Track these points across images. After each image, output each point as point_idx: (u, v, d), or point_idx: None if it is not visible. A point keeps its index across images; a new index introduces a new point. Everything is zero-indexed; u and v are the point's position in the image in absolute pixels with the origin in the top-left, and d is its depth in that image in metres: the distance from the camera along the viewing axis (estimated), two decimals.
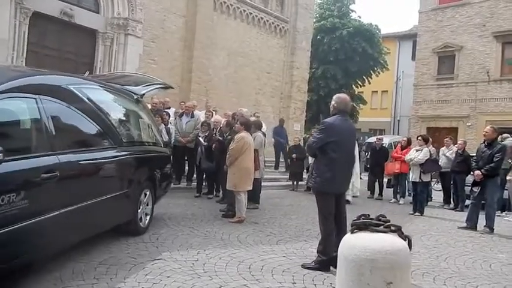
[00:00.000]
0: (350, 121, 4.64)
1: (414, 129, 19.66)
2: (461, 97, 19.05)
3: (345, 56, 22.51)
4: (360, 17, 24.16)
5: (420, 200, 8.54)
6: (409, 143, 10.25)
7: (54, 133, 3.07)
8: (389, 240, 2.54)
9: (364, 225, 2.66)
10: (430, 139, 10.74)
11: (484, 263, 5.01)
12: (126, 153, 4.40)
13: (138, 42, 13.60)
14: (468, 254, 5.43)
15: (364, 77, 24.68)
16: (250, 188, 6.41)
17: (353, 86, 24.87)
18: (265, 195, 9.58)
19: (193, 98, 14.81)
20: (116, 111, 4.55)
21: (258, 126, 7.89)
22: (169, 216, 6.33)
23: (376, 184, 11.34)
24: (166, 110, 9.95)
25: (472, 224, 7.12)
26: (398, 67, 28.04)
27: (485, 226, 6.99)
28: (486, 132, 7.07)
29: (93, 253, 4.05)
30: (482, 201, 7.13)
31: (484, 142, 7.15)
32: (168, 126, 8.70)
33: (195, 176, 9.21)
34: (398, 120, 27.54)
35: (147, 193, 4.99)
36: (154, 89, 5.92)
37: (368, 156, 13.16)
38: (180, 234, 5.20)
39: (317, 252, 4.33)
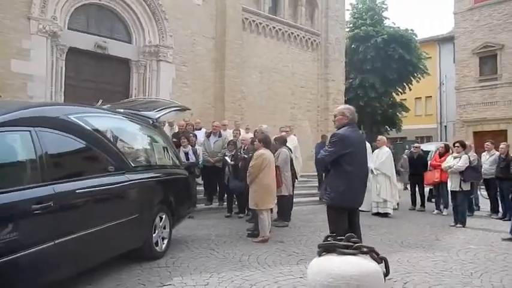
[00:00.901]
0: (360, 131, 4.43)
1: (459, 134, 18.64)
2: (508, 98, 17.91)
3: (382, 63, 21.91)
4: (394, 24, 23.51)
5: (461, 210, 7.98)
6: (447, 149, 9.68)
7: (49, 164, 3.15)
8: (358, 264, 2.20)
9: (332, 247, 2.38)
10: (471, 144, 10.15)
11: None
12: (134, 177, 4.43)
13: (170, 68, 14.00)
14: (507, 270, 4.96)
15: (405, 84, 23.85)
16: (273, 205, 6.28)
17: (393, 93, 24.11)
18: (298, 212, 9.41)
19: (228, 117, 14.97)
20: (124, 137, 4.62)
21: (282, 142, 7.77)
22: (193, 238, 6.31)
23: (418, 195, 10.76)
24: (194, 132, 10.07)
25: None
26: (440, 71, 26.96)
27: None
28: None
29: (103, 280, 4.07)
30: None
31: None
32: (196, 147, 8.77)
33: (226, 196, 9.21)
34: (445, 126, 26.31)
35: (163, 217, 5.00)
36: (169, 111, 5.99)
37: (401, 167, 12.61)
38: (199, 257, 5.15)
39: None
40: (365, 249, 2.33)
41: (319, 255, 2.42)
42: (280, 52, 17.37)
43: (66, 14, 11.90)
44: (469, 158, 8.06)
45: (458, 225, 7.92)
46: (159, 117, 5.59)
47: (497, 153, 9.47)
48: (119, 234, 4.17)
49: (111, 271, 4.34)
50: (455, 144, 8.30)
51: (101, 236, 3.78)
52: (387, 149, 9.40)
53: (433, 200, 10.56)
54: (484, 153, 9.94)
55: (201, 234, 6.70)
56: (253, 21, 16.41)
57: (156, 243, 4.87)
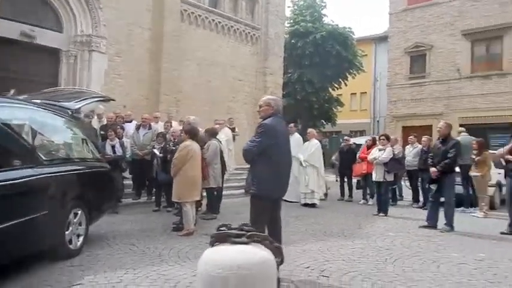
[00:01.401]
0: (284, 122, 4.44)
1: (389, 128, 19.59)
2: (434, 95, 19.09)
3: (320, 59, 22.46)
4: (332, 21, 24.16)
5: (384, 200, 8.38)
6: (374, 142, 10.10)
7: None
8: (248, 253, 2.16)
9: (224, 236, 2.36)
10: (397, 138, 10.68)
11: (433, 264, 4.84)
12: (44, 171, 4.16)
13: (102, 58, 13.39)
14: (420, 255, 5.25)
15: (341, 80, 24.65)
16: (198, 198, 6.19)
17: (330, 89, 24.85)
18: (230, 204, 9.41)
19: (162, 109, 14.63)
20: (36, 128, 4.33)
21: (212, 134, 7.71)
22: (115, 234, 6.08)
23: (346, 186, 11.17)
24: (124, 124, 9.73)
25: (432, 223, 6.97)
26: (375, 69, 28.15)
27: (444, 224, 6.83)
28: (440, 128, 6.96)
29: (6, 284, 3.78)
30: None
31: (439, 138, 7.03)
32: (123, 140, 8.46)
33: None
34: (378, 121, 27.55)
35: (79, 212, 4.75)
36: (90, 102, 5.71)
37: (335, 160, 13.03)
38: (116, 254, 4.96)
39: None
40: (258, 238, 2.31)
41: (212, 245, 2.37)
42: (220, 45, 17.24)
43: None
44: (394, 151, 8.46)
45: (380, 214, 8.30)
46: (78, 108, 5.31)
47: (420, 146, 10.04)
48: (26, 233, 3.85)
49: (20, 273, 4.03)
50: (380, 137, 8.69)
51: (3, 235, 3.50)
52: (316, 141, 9.65)
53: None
54: (407, 146, 10.50)
55: (124, 229, 6.48)
56: (193, 13, 16.12)
57: (70, 241, 4.62)
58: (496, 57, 18.20)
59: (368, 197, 10.34)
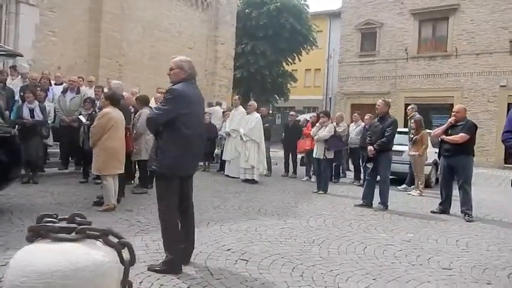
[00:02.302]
0: (198, 89, 3.84)
1: (339, 106, 19.66)
2: (382, 74, 19.23)
3: (274, 32, 21.92)
4: None
5: (324, 177, 8.21)
6: (318, 118, 9.89)
7: None
8: (73, 254, 1.50)
9: (44, 230, 1.59)
10: (342, 115, 10.54)
11: (360, 246, 4.65)
12: None
13: (32, 11, 12.19)
14: (349, 235, 5.07)
15: (295, 55, 24.30)
16: (120, 171, 5.65)
17: (284, 63, 24.47)
18: None
19: (103, 74, 13.71)
20: None
21: (144, 102, 7.10)
22: (24, 207, 5.45)
23: (291, 162, 10.98)
24: (50, 87, 8.86)
25: (368, 201, 6.87)
26: (329, 45, 27.98)
27: (379, 203, 6.75)
28: (378, 105, 6.78)
29: None
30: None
31: (377, 116, 6.87)
32: (45, 103, 7.65)
33: None
34: (330, 98, 27.64)
35: None
36: None
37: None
38: (15, 231, 4.37)
39: (165, 251, 3.61)
40: (94, 233, 1.60)
41: (30, 241, 1.60)
42: (168, 9, 16.28)
43: None
44: (338, 128, 8.26)
45: (320, 191, 8.14)
46: None
47: (363, 124, 9.95)
48: None
49: None
50: (320, 114, 8.45)
51: None
52: (257, 115, 9.28)
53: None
54: (351, 124, 10.38)
55: (39, 202, 5.85)
56: None
57: None
58: (442, 39, 18.48)
59: (311, 173, 10.17)
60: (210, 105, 12.64)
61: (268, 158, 11.02)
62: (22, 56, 6.80)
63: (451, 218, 6.47)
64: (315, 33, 23.98)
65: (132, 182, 7.39)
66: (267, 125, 11.00)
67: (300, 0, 23.35)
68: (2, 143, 4.83)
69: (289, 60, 24.21)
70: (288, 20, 21.78)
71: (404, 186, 9.28)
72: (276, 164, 11.63)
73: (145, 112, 6.92)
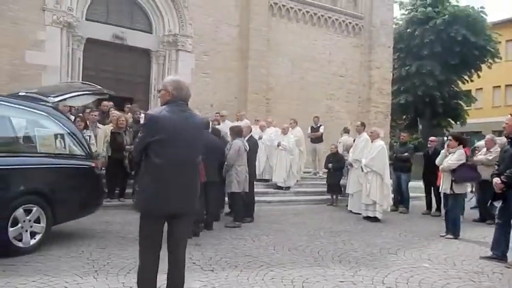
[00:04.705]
0: (190, 112, 3.31)
1: None
2: None
3: (442, 47, 19.50)
4: (458, 1, 20.71)
5: (453, 217, 6.50)
6: (461, 142, 8.06)
7: None
8: None
9: None
10: (494, 139, 8.38)
11: None
12: None
13: (189, 57, 13.75)
14: None
15: (473, 71, 21.06)
16: None
17: (458, 81, 21.45)
18: (283, 211, 8.59)
19: (251, 108, 14.38)
20: None
21: (237, 133, 6.98)
22: (94, 234, 5.80)
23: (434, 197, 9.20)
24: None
25: (498, 253, 5.06)
26: None
27: None
28: (506, 123, 4.98)
29: None
30: None
31: (508, 137, 5.07)
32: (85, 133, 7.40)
33: None
34: None
35: (33, 209, 4.60)
36: (70, 96, 5.56)
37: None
38: (68, 257, 4.64)
39: None
40: None
41: None
42: (315, 38, 16.21)
43: (83, 5, 12.19)
44: (469, 155, 6.52)
45: (448, 235, 6.48)
46: (56, 102, 5.21)
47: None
48: None
49: None
50: (449, 138, 6.78)
51: None
52: (381, 142, 8.03)
53: None
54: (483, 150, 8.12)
55: (116, 229, 6.13)
56: (284, 5, 15.49)
57: (21, 239, 4.50)
58: None
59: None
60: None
61: (407, 193, 9.51)
62: (107, 95, 7.32)
63: None
64: (497, 43, 20.30)
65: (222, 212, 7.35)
66: (406, 154, 9.59)
67: (476, 9, 20.24)
68: (75, 174, 5.30)
69: (465, 77, 21.04)
70: (459, 32, 19.11)
71: None
72: None
73: (236, 143, 6.82)
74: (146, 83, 13.81)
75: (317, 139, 12.42)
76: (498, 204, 5.02)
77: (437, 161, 6.90)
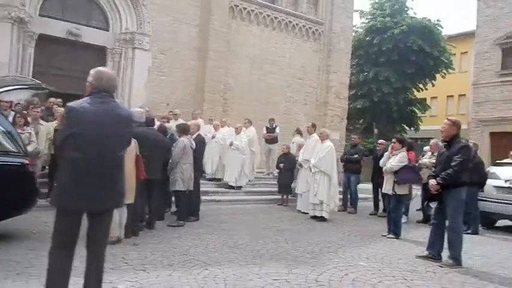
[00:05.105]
0: (115, 104, 3.14)
1: (474, 134, 16.43)
2: None
3: (399, 56, 20.10)
4: (415, 14, 21.43)
5: (394, 218, 6.63)
6: (405, 145, 8.28)
7: None
8: None
9: None
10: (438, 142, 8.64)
11: None
12: None
13: (146, 56, 13.46)
14: None
15: (428, 79, 21.82)
16: (129, 201, 5.36)
17: (414, 89, 22.16)
18: (231, 211, 8.50)
19: (208, 108, 14.28)
20: None
21: (183, 130, 6.85)
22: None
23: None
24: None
25: (434, 252, 5.19)
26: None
27: (448, 257, 5.01)
28: (443, 127, 5.12)
29: None
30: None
31: (444, 141, 5.22)
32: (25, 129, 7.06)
33: None
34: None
35: None
36: (3, 91, 5.27)
37: None
38: None
39: None
40: None
41: None
42: (276, 42, 16.29)
43: (37, 1, 11.73)
44: (408, 157, 6.67)
45: (390, 235, 6.63)
46: None
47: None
48: None
49: None
50: (393, 140, 6.94)
51: None
52: (329, 143, 8.11)
53: None
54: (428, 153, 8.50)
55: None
56: (245, 8, 15.48)
57: None
58: None
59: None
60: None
61: (355, 194, 9.67)
62: (46, 90, 6.96)
63: None
64: (451, 55, 21.13)
65: (168, 211, 7.18)
66: (356, 156, 9.76)
67: (433, 21, 20.97)
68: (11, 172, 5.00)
69: (420, 86, 21.77)
70: (415, 42, 19.75)
71: None
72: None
73: (181, 141, 6.69)
74: None
75: (272, 140, 12.45)
76: (434, 205, 5.14)
77: (380, 163, 7.04)
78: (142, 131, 5.85)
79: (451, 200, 4.94)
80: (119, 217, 5.33)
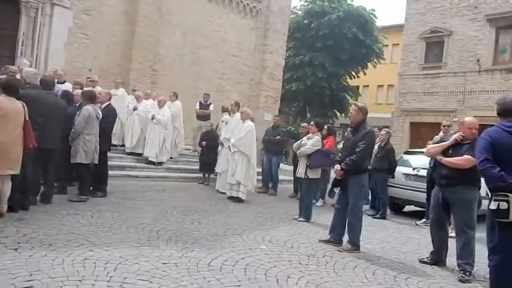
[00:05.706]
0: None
1: (397, 123, 17.21)
2: (449, 89, 16.47)
3: (334, 42, 20.37)
4: (352, 1, 21.76)
5: (305, 202, 6.65)
6: (329, 131, 8.39)
7: None
8: None
9: None
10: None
11: None
12: None
13: (66, 14, 12.37)
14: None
15: (360, 67, 22.41)
16: (13, 171, 4.80)
17: (346, 77, 22.69)
18: (148, 187, 8.11)
19: (134, 78, 13.54)
20: None
21: (89, 98, 6.28)
22: None
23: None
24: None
25: (336, 237, 5.22)
26: None
27: (348, 241, 5.07)
28: (351, 113, 5.12)
29: None
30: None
31: (350, 127, 5.23)
32: None
33: None
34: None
35: None
36: None
37: None
38: None
39: None
40: None
41: None
42: (211, 15, 15.71)
43: None
44: (322, 141, 6.67)
45: (300, 218, 6.62)
46: None
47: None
48: None
49: None
50: (311, 123, 6.91)
51: None
52: (250, 123, 7.93)
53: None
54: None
55: None
56: None
57: None
58: None
59: (317, 195, 8.61)
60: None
61: (276, 176, 9.66)
62: None
63: (444, 273, 4.59)
64: (382, 45, 21.81)
65: (75, 184, 6.65)
66: (278, 137, 9.70)
67: (368, 10, 21.43)
68: None
69: (353, 73, 22.32)
70: (350, 29, 20.09)
71: (423, 220, 7.34)
72: None
73: (86, 109, 6.13)
74: (13, 36, 12.15)
75: (205, 117, 12.07)
76: (337, 190, 5.14)
77: (294, 146, 6.99)
78: (36, 94, 5.24)
79: (352, 185, 4.96)
80: (1, 188, 4.77)
